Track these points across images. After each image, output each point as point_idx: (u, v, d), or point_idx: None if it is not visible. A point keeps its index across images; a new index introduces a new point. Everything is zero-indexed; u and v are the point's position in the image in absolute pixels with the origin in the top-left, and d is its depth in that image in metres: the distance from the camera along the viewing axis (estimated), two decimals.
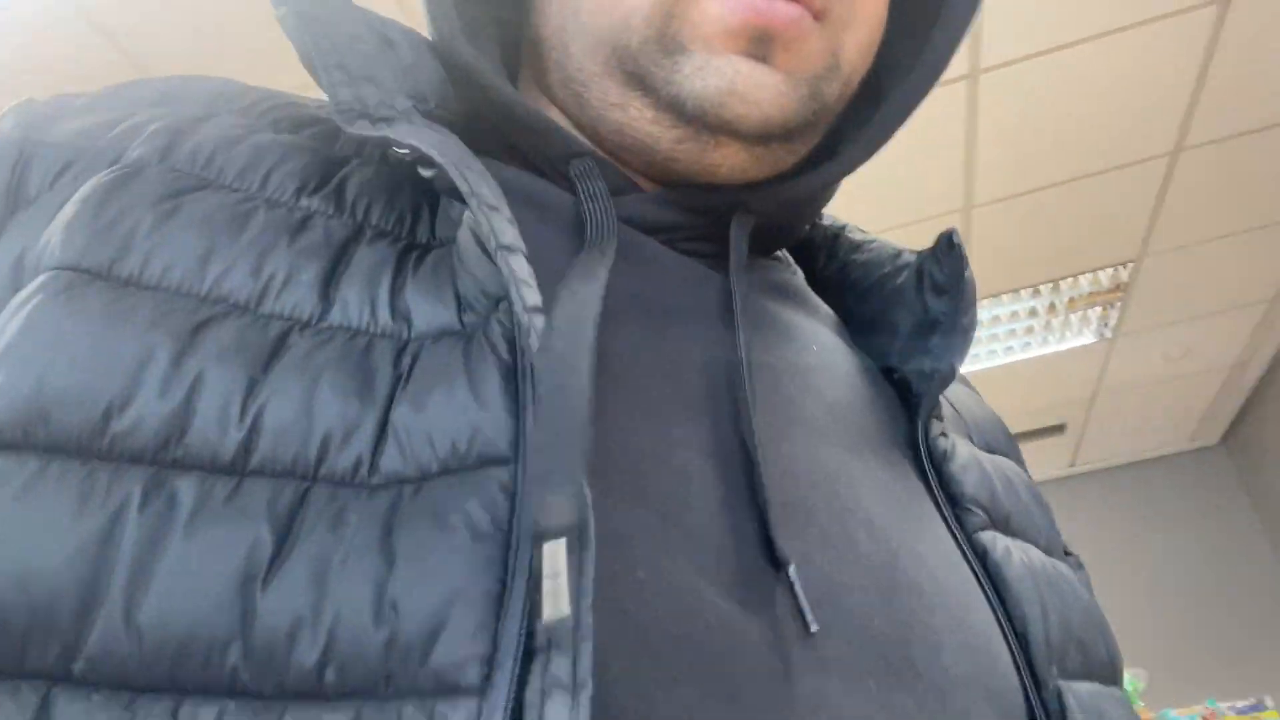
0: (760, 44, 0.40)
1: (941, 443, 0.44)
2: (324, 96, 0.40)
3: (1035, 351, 3.66)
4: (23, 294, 0.33)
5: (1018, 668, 0.39)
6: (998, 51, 2.33)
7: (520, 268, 0.32)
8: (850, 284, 0.52)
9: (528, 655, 0.26)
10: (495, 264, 0.33)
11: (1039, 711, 0.38)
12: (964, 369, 3.52)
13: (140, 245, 0.34)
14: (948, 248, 0.46)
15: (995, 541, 0.42)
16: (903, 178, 2.69)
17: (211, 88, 0.44)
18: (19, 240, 0.36)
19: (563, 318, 0.33)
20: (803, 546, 0.35)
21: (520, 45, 0.50)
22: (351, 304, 0.34)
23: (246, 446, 0.30)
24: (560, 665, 0.25)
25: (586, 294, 0.35)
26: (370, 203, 0.38)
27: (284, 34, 0.40)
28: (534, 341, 0.31)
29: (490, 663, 0.26)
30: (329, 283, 0.35)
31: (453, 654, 0.26)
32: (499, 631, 0.26)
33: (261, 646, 0.27)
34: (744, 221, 0.45)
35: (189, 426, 0.30)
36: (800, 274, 0.52)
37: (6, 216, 0.38)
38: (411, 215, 0.39)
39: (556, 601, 0.26)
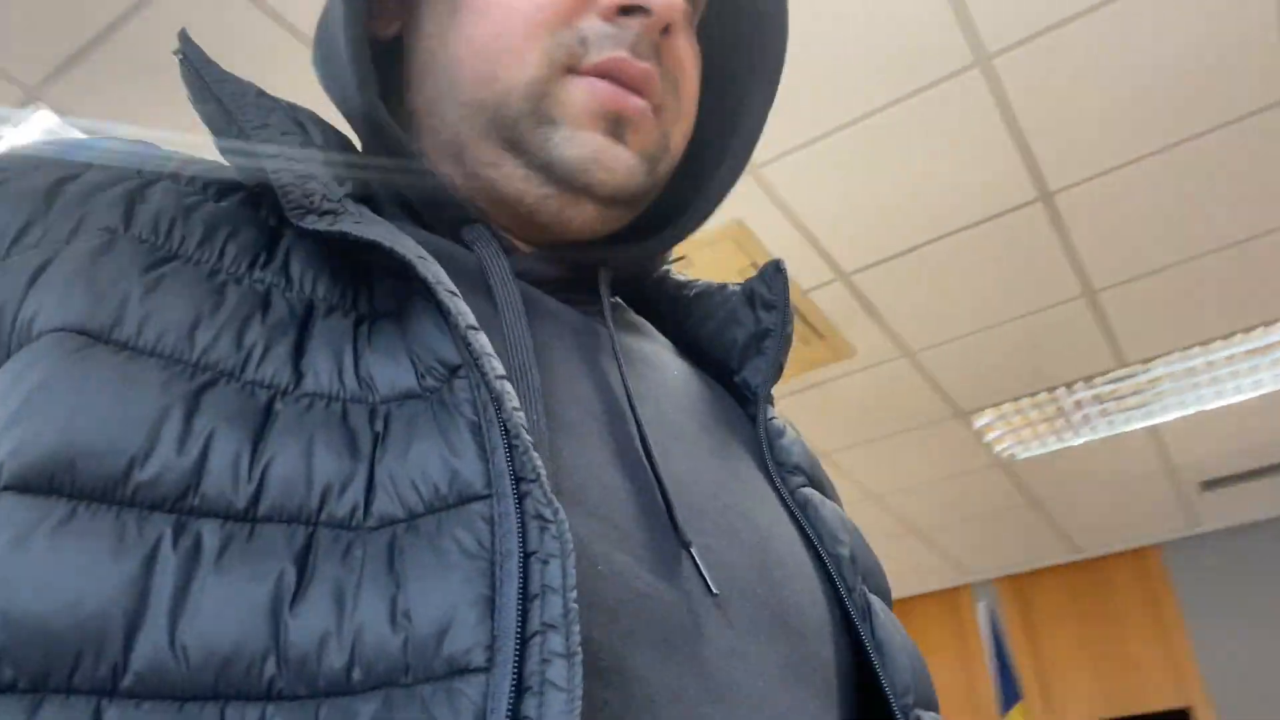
0: (616, 126, 0.49)
1: (775, 423, 0.56)
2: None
3: None
4: (29, 351, 0.37)
5: (833, 586, 0.49)
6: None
7: (484, 343, 0.38)
8: (684, 314, 0.62)
9: (523, 640, 0.32)
10: (452, 338, 0.39)
11: (853, 612, 0.48)
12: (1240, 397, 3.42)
13: (134, 312, 0.38)
14: (775, 272, 0.58)
15: (811, 495, 0.53)
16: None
17: (134, 150, 0.47)
18: None
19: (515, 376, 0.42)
20: (702, 538, 0.44)
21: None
22: (322, 373, 0.39)
23: (256, 497, 0.35)
24: (556, 641, 0.32)
25: (525, 354, 0.43)
26: (315, 278, 0.43)
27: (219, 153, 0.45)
28: (507, 405, 0.36)
29: (492, 648, 0.32)
30: (299, 355, 0.40)
31: (461, 643, 0.32)
32: (495, 625, 0.33)
33: (295, 658, 0.32)
34: (607, 275, 0.54)
35: (204, 479, 0.34)
36: (630, 310, 0.61)
37: None
38: (352, 290, 0.44)
39: (547, 601, 0.32)
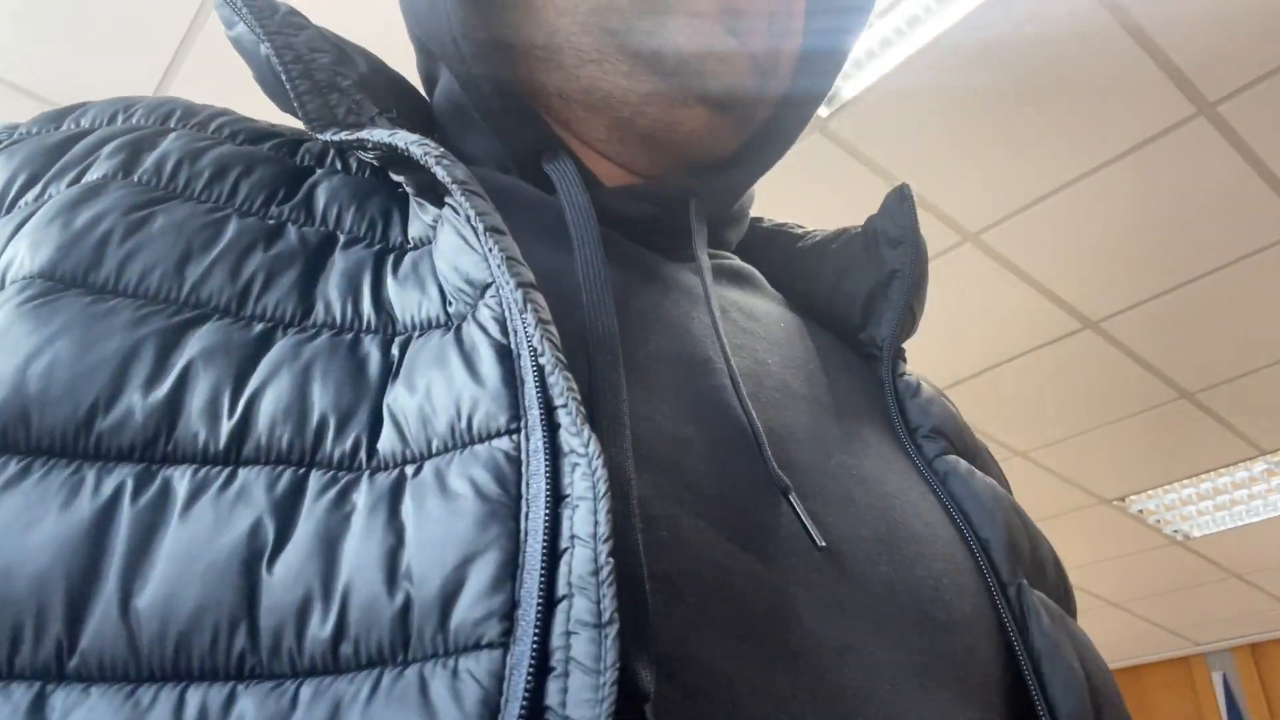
0: (733, 19, 0.44)
1: (907, 380, 0.49)
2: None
3: None
4: None
5: (982, 574, 0.41)
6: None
7: (510, 247, 0.33)
8: (800, 270, 0.55)
9: (548, 606, 0.26)
10: (480, 250, 0.33)
11: (1004, 610, 0.40)
12: None
13: (114, 253, 0.34)
14: (899, 202, 0.51)
15: (957, 464, 0.45)
16: None
17: (163, 103, 0.43)
18: None
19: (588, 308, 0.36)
20: (809, 504, 0.36)
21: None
22: (334, 303, 0.35)
23: (239, 436, 0.30)
24: (582, 608, 0.25)
25: (598, 290, 0.37)
26: (340, 210, 0.39)
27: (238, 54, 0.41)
28: (530, 318, 0.30)
29: (510, 617, 0.26)
30: (309, 284, 0.35)
31: (471, 611, 0.26)
32: (516, 588, 0.26)
33: (269, 628, 0.26)
34: (699, 206, 0.47)
35: (178, 420, 0.30)
36: (736, 258, 0.53)
37: None
38: (383, 220, 0.39)
39: (576, 555, 0.26)
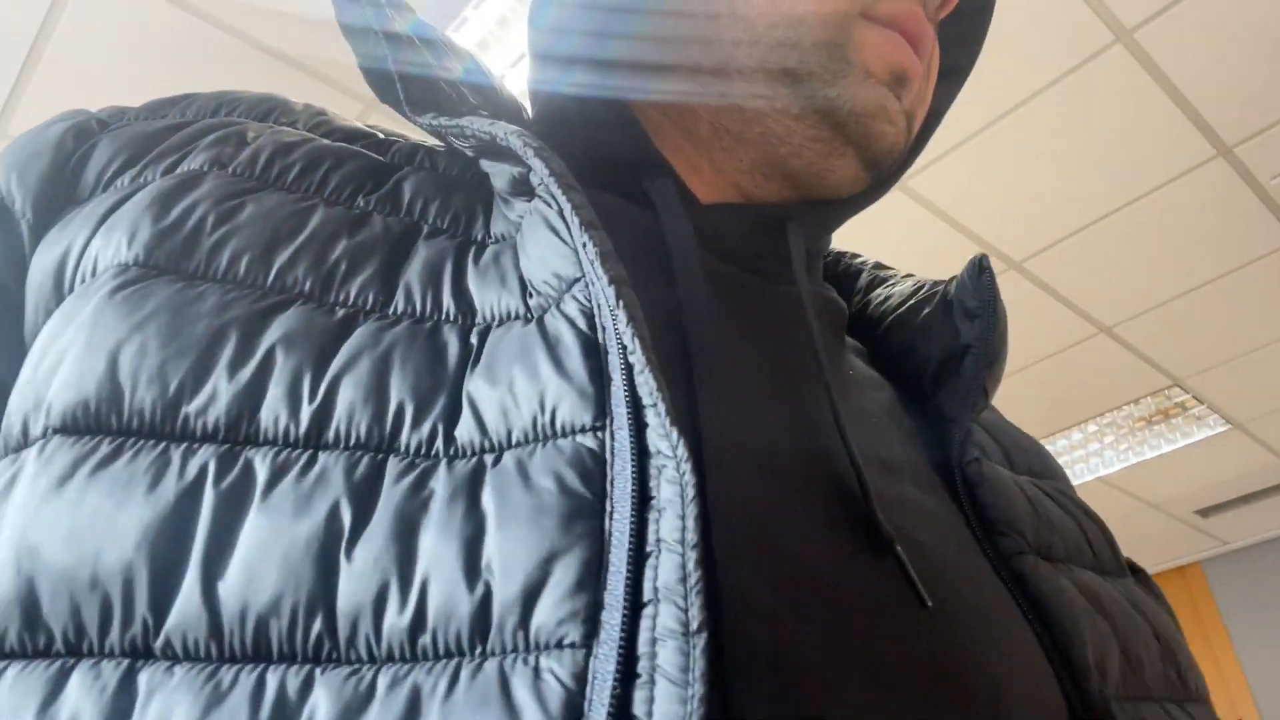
0: (897, 85, 0.46)
1: (975, 468, 0.45)
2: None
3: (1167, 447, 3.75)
4: (87, 287, 0.34)
5: (1063, 688, 0.38)
6: None
7: (604, 242, 0.32)
8: (874, 320, 0.54)
9: (633, 610, 0.26)
10: (572, 244, 0.33)
11: None
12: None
13: (205, 241, 0.35)
14: (978, 273, 0.49)
15: (1036, 566, 0.42)
16: None
17: (264, 100, 0.45)
18: (66, 238, 0.36)
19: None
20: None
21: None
22: (415, 291, 0.35)
23: (319, 421, 0.30)
24: (669, 614, 0.25)
25: (699, 309, 0.38)
26: (425, 202, 0.40)
27: (348, 43, 0.42)
28: (622, 314, 0.30)
29: (594, 620, 0.26)
30: (392, 272, 0.36)
31: (553, 611, 0.26)
32: (600, 589, 0.26)
33: (346, 613, 0.27)
34: (797, 231, 0.47)
35: (260, 403, 0.31)
36: (842, 300, 0.52)
37: (59, 206, 0.38)
38: (466, 215, 0.40)
39: (662, 560, 0.26)
